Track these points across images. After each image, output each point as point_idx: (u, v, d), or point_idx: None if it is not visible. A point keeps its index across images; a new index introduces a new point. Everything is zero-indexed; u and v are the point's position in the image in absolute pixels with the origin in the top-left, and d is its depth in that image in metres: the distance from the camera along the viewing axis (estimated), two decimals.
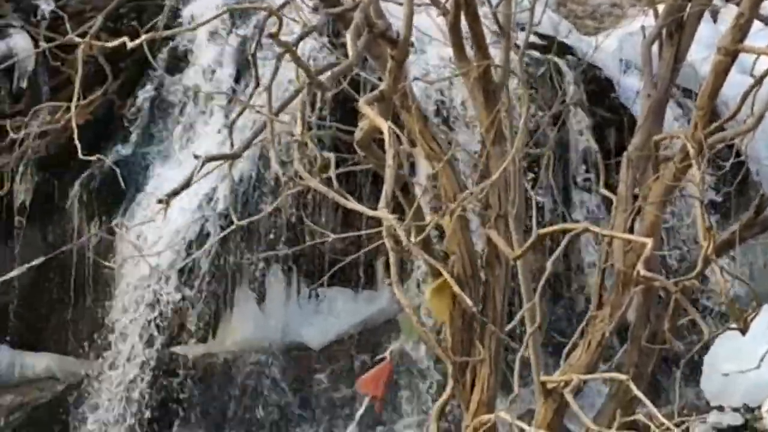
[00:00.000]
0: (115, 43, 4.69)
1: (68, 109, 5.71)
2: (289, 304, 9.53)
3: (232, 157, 5.04)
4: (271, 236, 9.11)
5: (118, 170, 7.26)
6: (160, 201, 4.97)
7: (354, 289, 9.62)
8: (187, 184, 5.03)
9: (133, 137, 9.37)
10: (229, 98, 9.08)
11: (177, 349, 9.29)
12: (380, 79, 5.94)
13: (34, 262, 6.09)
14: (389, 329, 9.66)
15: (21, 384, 9.54)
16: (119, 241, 8.96)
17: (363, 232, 6.83)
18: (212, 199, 8.87)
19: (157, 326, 9.12)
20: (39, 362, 9.56)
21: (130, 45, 4.51)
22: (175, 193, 5.02)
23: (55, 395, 9.46)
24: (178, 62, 9.56)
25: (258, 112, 4.91)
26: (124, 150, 9.29)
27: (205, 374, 9.43)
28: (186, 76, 9.47)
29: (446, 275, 4.98)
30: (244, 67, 9.42)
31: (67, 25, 4.98)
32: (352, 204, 4.77)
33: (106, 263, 8.10)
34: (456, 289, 4.86)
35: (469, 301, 4.79)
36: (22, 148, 8.54)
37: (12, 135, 7.12)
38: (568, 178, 9.45)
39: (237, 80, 9.44)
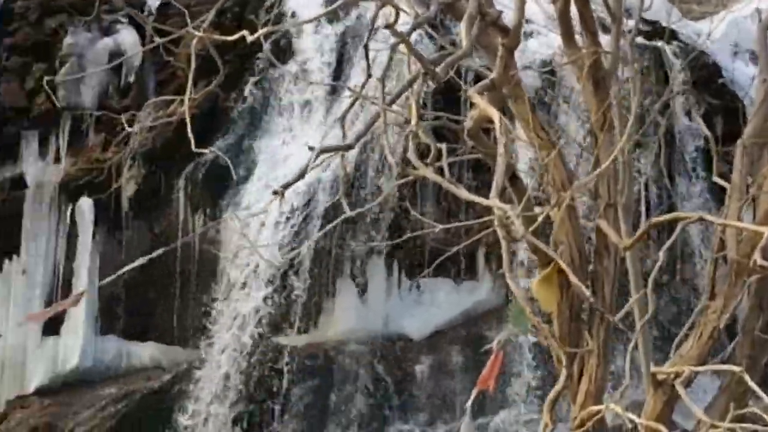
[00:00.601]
0: (235, 36, 4.74)
1: (181, 102, 5.75)
2: (391, 295, 9.55)
3: (346, 149, 5.05)
4: (373, 228, 9.14)
5: (229, 162, 7.31)
6: (275, 192, 4.98)
7: (455, 280, 9.60)
8: (301, 175, 5.05)
9: (237, 129, 9.47)
10: (331, 89, 9.10)
11: (280, 339, 9.37)
12: (488, 69, 5.89)
13: (148, 257, 6.16)
14: (490, 319, 9.62)
15: (128, 373, 9.73)
16: (224, 233, 9.06)
17: (470, 222, 6.80)
18: (316, 190, 8.90)
19: (261, 316, 9.20)
20: (145, 352, 9.75)
21: (249, 38, 4.55)
22: (290, 184, 5.05)
23: (161, 384, 9.62)
24: (281, 54, 9.62)
25: (373, 103, 4.90)
26: (229, 142, 9.38)
27: (307, 364, 9.50)
28: (288, 68, 9.53)
29: (562, 264, 4.92)
30: (344, 58, 9.44)
31: (187, 20, 5.03)
32: (465, 194, 4.74)
33: (216, 251, 8.16)
34: (572, 278, 4.80)
35: (585, 291, 4.73)
36: (131, 143, 8.70)
37: (128, 129, 7.23)
38: (673, 166, 9.28)
39: (337, 71, 9.47)
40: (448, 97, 8.28)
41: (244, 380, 9.31)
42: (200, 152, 7.45)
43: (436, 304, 9.61)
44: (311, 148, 5.01)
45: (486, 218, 6.02)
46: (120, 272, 6.89)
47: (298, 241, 8.74)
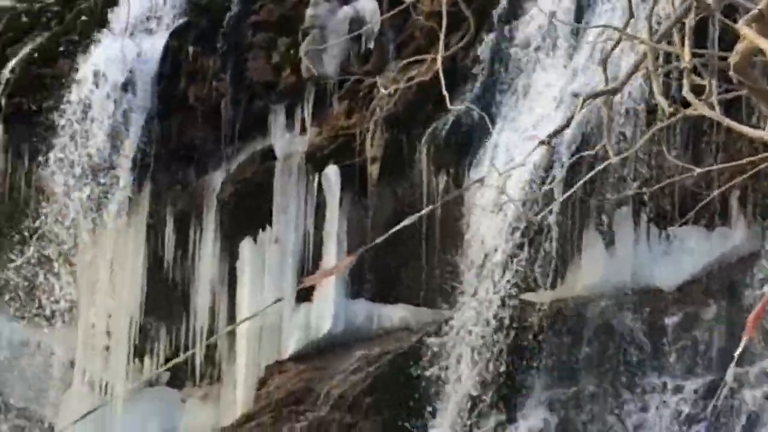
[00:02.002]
0: None
1: (425, 62, 5.80)
2: (639, 246, 9.34)
3: (612, 92, 4.96)
4: (619, 177, 8.93)
5: (486, 117, 7.29)
6: (542, 142, 4.97)
7: (706, 227, 9.29)
8: (568, 124, 5.02)
9: (477, 86, 9.43)
10: (572, 35, 8.91)
11: (527, 295, 9.34)
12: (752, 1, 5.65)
13: (397, 227, 6.25)
14: (744, 266, 9.27)
15: (378, 336, 9.94)
16: (467, 193, 9.08)
17: (728, 165, 6.58)
18: (559, 141, 8.71)
19: (509, 274, 9.17)
20: (395, 314, 9.94)
21: None
22: (557, 132, 5.04)
23: (411, 345, 9.77)
24: (517, 8, 9.50)
25: (641, 42, 4.79)
26: (469, 100, 9.35)
27: (556, 320, 9.43)
28: (524, 21, 9.40)
29: None
30: (583, 4, 9.22)
31: None
32: (747, 129, 4.59)
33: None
34: None
35: None
36: (375, 108, 8.84)
37: (383, 91, 7.36)
38: None
39: (578, 16, 9.22)
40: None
41: (494, 339, 9.33)
42: (443, 112, 7.46)
43: (687, 253, 9.32)
44: (576, 95, 4.96)
45: (742, 161, 5.81)
46: (370, 245, 7.04)
47: (546, 195, 8.63)
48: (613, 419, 9.32)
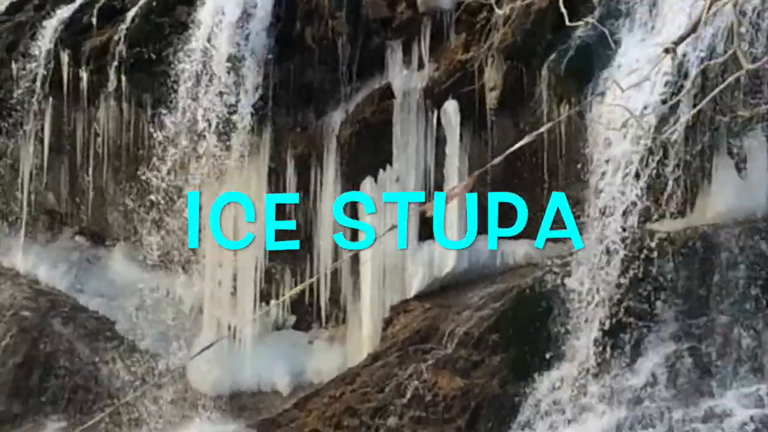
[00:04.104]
0: None
1: None
2: None
3: None
4: (753, 92, 8.59)
5: (607, 34, 7.04)
6: (666, 50, 4.81)
7: None
8: (694, 29, 4.84)
9: (596, 13, 9.22)
10: None
11: (654, 225, 9.14)
12: None
13: (512, 149, 6.15)
14: None
15: (504, 272, 9.87)
16: (590, 119, 8.89)
17: None
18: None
19: (633, 202, 8.98)
20: (518, 249, 9.85)
21: None
22: (683, 38, 4.86)
23: (535, 280, 9.66)
24: None
25: None
26: (588, 26, 9.14)
27: (685, 249, 9.21)
28: None
29: None
30: None
31: None
32: None
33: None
34: None
35: None
36: (492, 39, 8.70)
37: (498, 11, 7.20)
38: None
39: None
40: None
41: (621, 271, 9.16)
42: (563, 41, 7.24)
43: None
44: None
45: None
46: (490, 164, 6.92)
47: (672, 112, 8.33)
48: (747, 350, 9.10)
